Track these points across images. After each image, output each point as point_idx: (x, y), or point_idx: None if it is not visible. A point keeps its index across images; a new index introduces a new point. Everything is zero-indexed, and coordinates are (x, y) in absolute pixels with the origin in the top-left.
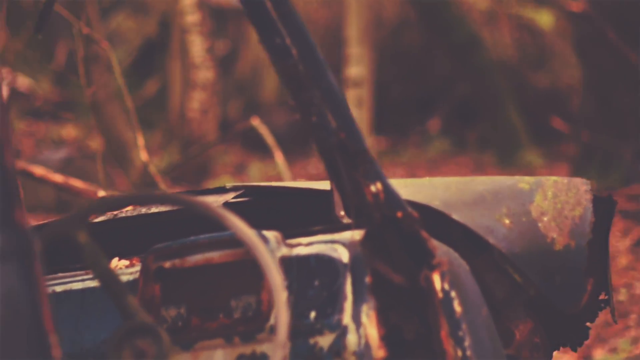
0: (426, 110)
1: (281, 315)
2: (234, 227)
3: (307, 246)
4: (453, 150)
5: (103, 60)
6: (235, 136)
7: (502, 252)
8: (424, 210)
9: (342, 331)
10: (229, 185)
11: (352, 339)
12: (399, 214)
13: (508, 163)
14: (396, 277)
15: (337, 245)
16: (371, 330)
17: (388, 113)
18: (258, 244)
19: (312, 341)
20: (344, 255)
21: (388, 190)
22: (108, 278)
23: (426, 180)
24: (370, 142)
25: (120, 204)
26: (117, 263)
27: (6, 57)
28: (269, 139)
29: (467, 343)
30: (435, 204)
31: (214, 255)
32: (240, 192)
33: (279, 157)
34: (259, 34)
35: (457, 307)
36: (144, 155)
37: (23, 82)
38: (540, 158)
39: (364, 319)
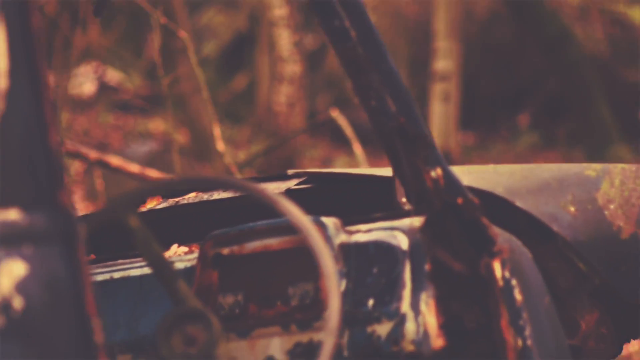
0: (515, 105)
1: (333, 302)
2: (287, 212)
3: (366, 233)
4: (542, 146)
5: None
6: (322, 129)
7: (567, 240)
8: (488, 197)
9: (401, 319)
10: (290, 171)
11: (410, 327)
12: (460, 200)
13: (598, 158)
14: (456, 265)
15: (396, 232)
16: (430, 318)
17: (476, 108)
18: (311, 229)
19: (369, 329)
20: (403, 242)
21: (448, 176)
22: (159, 263)
23: (490, 167)
24: (458, 137)
25: (168, 187)
26: (176, 250)
27: (97, 51)
28: (348, 131)
29: (527, 332)
30: (499, 190)
31: (273, 242)
32: (303, 178)
33: (357, 148)
34: (317, 16)
35: (518, 296)
36: (220, 146)
37: (113, 76)
38: (630, 154)
39: (423, 307)
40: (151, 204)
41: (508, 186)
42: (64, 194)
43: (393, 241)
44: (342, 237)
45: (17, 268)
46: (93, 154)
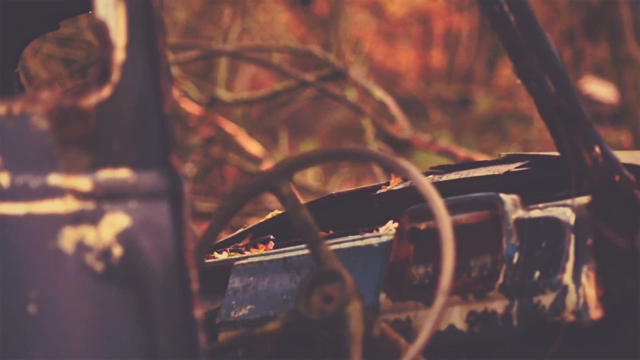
0: None
1: (447, 265)
2: (416, 180)
3: (541, 210)
4: None
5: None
6: None
7: None
8: None
9: (563, 291)
10: (503, 154)
11: (571, 298)
12: (617, 177)
13: None
14: (618, 239)
15: (565, 209)
16: (590, 290)
17: None
18: (436, 198)
19: (535, 300)
20: (570, 217)
21: (606, 154)
22: (305, 227)
23: None
24: None
25: (311, 159)
26: (389, 225)
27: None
28: None
29: None
30: None
31: (462, 217)
32: (525, 162)
33: None
34: (479, 2)
35: None
36: None
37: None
38: None
39: (584, 279)
40: (393, 185)
41: None
42: (175, 157)
43: (561, 217)
44: (518, 213)
45: (120, 220)
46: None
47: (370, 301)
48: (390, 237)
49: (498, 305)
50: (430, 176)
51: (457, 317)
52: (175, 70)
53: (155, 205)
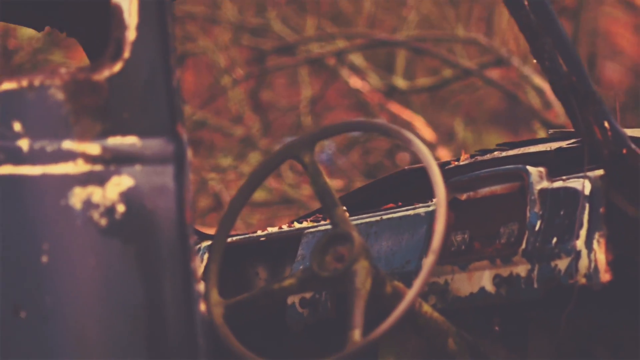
0: None
1: (438, 227)
2: (417, 150)
3: (564, 181)
4: None
5: None
6: None
7: None
8: None
9: (576, 255)
10: (551, 131)
11: (584, 262)
12: (624, 150)
13: None
14: (629, 209)
15: (584, 180)
16: (600, 255)
17: None
18: (433, 164)
19: (552, 264)
20: (586, 187)
21: (614, 128)
22: (324, 192)
23: None
24: None
25: (337, 130)
26: None
27: None
28: None
29: None
30: None
31: (497, 188)
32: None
33: None
34: None
35: None
36: None
37: None
38: None
39: (595, 245)
40: (462, 160)
41: None
42: (180, 126)
43: (579, 187)
44: (543, 184)
45: (125, 181)
46: None
47: (414, 265)
48: (432, 208)
49: (521, 269)
50: (496, 152)
51: (486, 280)
52: (357, 60)
53: (161, 168)
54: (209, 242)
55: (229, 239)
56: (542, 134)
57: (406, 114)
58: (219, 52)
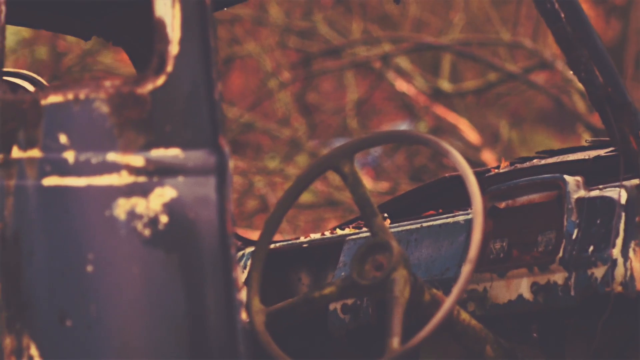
0: None
1: (475, 236)
2: (455, 161)
3: (601, 190)
4: None
5: None
6: None
7: None
8: None
9: (612, 264)
10: (588, 139)
11: (619, 271)
12: None
13: None
14: None
15: (621, 189)
16: (636, 264)
17: None
18: (471, 177)
19: (589, 272)
20: (623, 197)
21: None
22: (363, 202)
23: None
24: None
25: (376, 141)
26: None
27: None
28: None
29: None
30: None
31: (535, 197)
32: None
33: None
34: (534, 0)
35: None
36: None
37: None
38: None
39: (631, 253)
40: (502, 168)
41: None
42: (222, 138)
43: (615, 196)
44: (580, 193)
45: (168, 193)
46: None
47: (453, 273)
48: (470, 216)
49: (558, 277)
50: (535, 160)
51: (524, 288)
52: (403, 62)
53: (204, 179)
54: (252, 249)
55: (272, 246)
56: (586, 136)
57: (451, 117)
58: (265, 55)
